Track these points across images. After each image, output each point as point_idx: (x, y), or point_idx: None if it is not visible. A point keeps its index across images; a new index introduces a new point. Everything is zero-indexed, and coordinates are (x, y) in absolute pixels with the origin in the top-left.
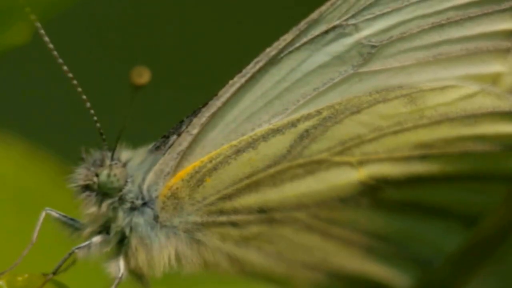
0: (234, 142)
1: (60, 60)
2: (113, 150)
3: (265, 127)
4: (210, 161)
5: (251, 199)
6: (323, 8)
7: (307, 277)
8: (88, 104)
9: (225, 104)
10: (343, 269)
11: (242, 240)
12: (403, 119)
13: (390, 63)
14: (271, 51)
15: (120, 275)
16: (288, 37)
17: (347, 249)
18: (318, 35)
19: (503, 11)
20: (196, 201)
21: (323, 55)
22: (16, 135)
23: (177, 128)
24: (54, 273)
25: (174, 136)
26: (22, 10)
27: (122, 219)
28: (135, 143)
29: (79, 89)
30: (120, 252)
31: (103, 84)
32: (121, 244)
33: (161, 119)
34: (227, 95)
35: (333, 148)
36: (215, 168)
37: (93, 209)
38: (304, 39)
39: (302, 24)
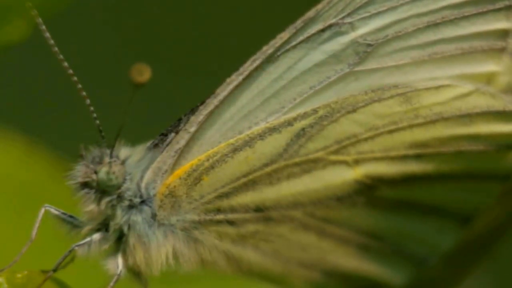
0: (231, 141)
1: (61, 57)
2: (112, 147)
3: (262, 125)
4: (208, 159)
5: (247, 198)
6: (319, 6)
7: (303, 276)
8: (88, 101)
9: (223, 102)
10: (339, 268)
11: (239, 239)
12: (398, 118)
13: (386, 62)
14: (268, 49)
15: (118, 272)
16: (284, 35)
17: (343, 247)
18: (314, 34)
19: (498, 10)
20: (194, 199)
21: (319, 53)
22: (16, 131)
23: (175, 126)
24: (54, 270)
25: (172, 134)
26: (22, 6)
27: (120, 217)
28: (133, 141)
29: (79, 86)
30: (118, 249)
31: (103, 81)
32: (120, 241)
33: (160, 117)
34: (225, 93)
35: (329, 147)
36: (212, 167)
37: (92, 207)
38: (301, 38)
39: (299, 22)
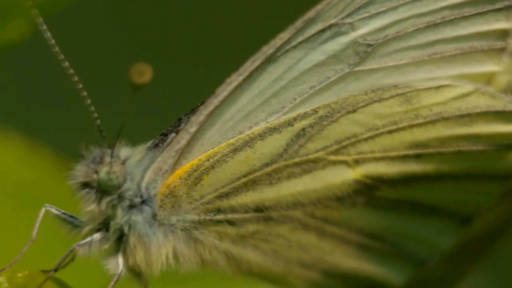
0: (231, 141)
1: (61, 57)
2: (112, 147)
3: (262, 125)
4: (208, 160)
5: (247, 198)
6: (319, 6)
7: (303, 276)
8: (88, 101)
9: (223, 102)
10: (339, 268)
11: (239, 239)
12: (398, 119)
13: (386, 62)
14: (268, 49)
15: (118, 272)
16: (285, 35)
17: (343, 247)
18: (314, 34)
19: (497, 10)
20: (194, 199)
21: (319, 53)
22: (17, 130)
23: (175, 126)
24: (55, 270)
25: (173, 134)
26: (22, 6)
27: (120, 217)
28: (134, 141)
29: (80, 86)
30: (118, 249)
31: (103, 81)
32: (120, 241)
33: (160, 117)
34: (225, 93)
35: (329, 147)
36: (212, 167)
37: (92, 206)
38: (301, 38)
39: (299, 23)
